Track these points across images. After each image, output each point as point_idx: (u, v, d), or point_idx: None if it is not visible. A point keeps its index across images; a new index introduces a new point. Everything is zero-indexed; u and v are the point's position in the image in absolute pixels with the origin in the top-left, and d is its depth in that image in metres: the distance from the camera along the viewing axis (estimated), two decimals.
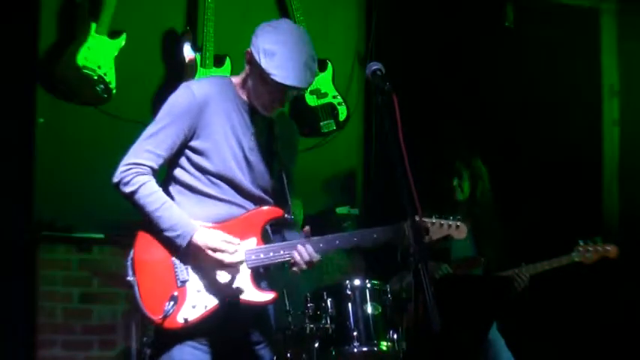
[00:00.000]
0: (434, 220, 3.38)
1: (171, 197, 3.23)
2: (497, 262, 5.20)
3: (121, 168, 3.18)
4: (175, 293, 3.11)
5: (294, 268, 3.23)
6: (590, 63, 6.61)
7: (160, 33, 5.59)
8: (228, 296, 3.17)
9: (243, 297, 3.19)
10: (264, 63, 3.11)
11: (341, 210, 5.92)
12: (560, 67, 6.41)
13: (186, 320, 3.10)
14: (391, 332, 4.45)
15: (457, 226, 3.40)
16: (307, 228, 3.29)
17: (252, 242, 3.25)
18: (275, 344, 3.52)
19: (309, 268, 3.23)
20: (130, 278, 3.14)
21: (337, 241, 3.29)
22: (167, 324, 3.09)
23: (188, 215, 3.17)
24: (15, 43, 5.16)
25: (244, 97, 3.29)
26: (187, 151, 3.23)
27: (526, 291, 5.07)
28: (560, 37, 6.42)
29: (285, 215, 3.35)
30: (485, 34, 6.27)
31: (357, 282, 4.52)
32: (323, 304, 4.43)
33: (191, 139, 3.22)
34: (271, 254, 3.23)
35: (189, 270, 3.17)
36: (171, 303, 3.08)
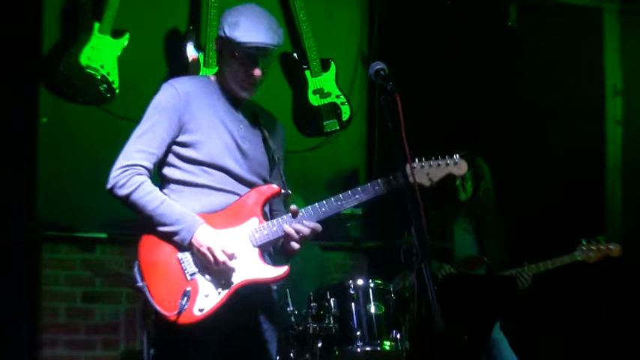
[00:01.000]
0: (432, 162, 3.37)
1: None
2: (500, 261, 5.21)
3: (115, 172, 3.18)
4: (188, 288, 3.11)
5: (293, 243, 3.25)
6: (592, 62, 6.60)
7: (163, 33, 5.59)
8: (239, 279, 3.18)
9: (255, 276, 3.20)
10: (229, 33, 3.21)
11: (344, 210, 5.90)
12: (562, 67, 6.41)
13: (202, 311, 3.10)
14: (394, 332, 4.46)
15: (455, 163, 3.38)
16: (294, 207, 3.26)
17: (254, 222, 3.26)
18: (278, 325, 3.54)
19: (310, 239, 3.27)
20: (139, 284, 3.14)
21: (323, 209, 3.30)
22: (183, 319, 3.08)
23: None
24: (18, 43, 5.16)
25: (223, 90, 3.34)
26: (175, 147, 3.25)
27: (529, 290, 5.07)
28: (563, 37, 6.41)
29: (282, 191, 3.37)
30: (488, 34, 6.27)
31: (360, 282, 4.53)
32: (326, 304, 4.44)
33: (179, 133, 3.24)
34: (274, 229, 3.26)
35: (197, 261, 3.17)
36: (185, 298, 3.08)
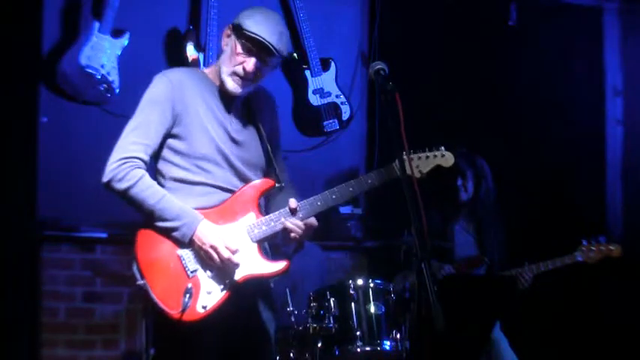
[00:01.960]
0: (420, 155, 3.46)
1: None
2: (500, 261, 5.21)
3: (111, 165, 3.15)
4: (189, 285, 3.11)
5: (293, 235, 3.27)
6: (593, 62, 6.60)
7: (163, 32, 5.59)
8: (240, 275, 3.18)
9: (255, 271, 3.21)
10: (241, 20, 3.25)
11: (344, 209, 5.91)
12: (563, 67, 6.41)
13: (205, 308, 3.11)
14: (394, 332, 4.46)
15: (443, 155, 3.50)
16: (293, 202, 3.28)
17: (251, 217, 3.27)
18: (278, 319, 3.55)
19: (307, 234, 3.29)
20: (140, 282, 3.13)
21: (318, 203, 3.32)
22: (187, 317, 3.08)
23: None
24: (18, 42, 5.15)
25: (216, 83, 3.34)
26: (170, 141, 3.25)
27: (529, 290, 5.07)
28: (564, 37, 6.41)
29: (276, 185, 3.38)
30: (488, 34, 6.27)
31: (360, 281, 4.53)
32: (326, 304, 4.44)
33: (174, 124, 3.23)
34: (272, 224, 3.27)
35: (197, 258, 3.17)
36: (188, 296, 3.08)
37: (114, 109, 5.27)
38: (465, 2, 6.18)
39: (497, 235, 5.30)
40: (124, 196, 3.16)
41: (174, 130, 3.24)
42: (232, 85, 3.28)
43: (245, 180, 3.31)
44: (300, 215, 3.28)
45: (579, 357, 5.93)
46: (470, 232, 5.35)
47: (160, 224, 3.15)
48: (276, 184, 3.37)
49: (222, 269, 3.16)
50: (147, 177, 3.18)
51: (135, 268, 3.16)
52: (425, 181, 3.46)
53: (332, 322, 4.39)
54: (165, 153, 3.26)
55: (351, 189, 3.36)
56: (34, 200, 5.22)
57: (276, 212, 3.29)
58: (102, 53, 5.20)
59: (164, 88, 3.25)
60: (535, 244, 5.48)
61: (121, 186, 3.14)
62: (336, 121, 5.84)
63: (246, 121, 3.38)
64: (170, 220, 3.14)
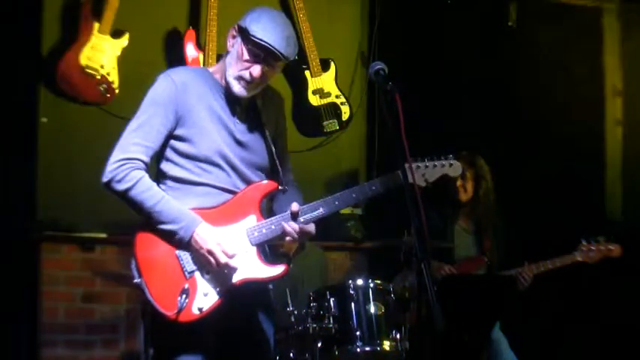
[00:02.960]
0: (427, 163, 3.43)
1: None
2: (500, 261, 5.21)
3: (112, 166, 3.14)
4: (186, 286, 3.10)
5: (292, 243, 3.29)
6: (592, 62, 6.60)
7: (163, 33, 5.59)
8: (237, 278, 3.17)
9: (253, 275, 3.19)
10: (248, 24, 3.20)
11: (344, 210, 5.91)
12: (562, 67, 6.41)
13: (201, 310, 3.10)
14: (394, 332, 4.46)
15: (451, 164, 3.47)
16: (295, 206, 3.26)
17: (252, 220, 3.25)
18: (275, 323, 3.53)
19: (307, 239, 3.29)
20: (137, 280, 3.12)
21: (320, 208, 3.31)
22: (183, 317, 3.07)
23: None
24: (18, 43, 5.16)
25: (222, 83, 3.32)
26: (173, 142, 3.23)
27: (529, 290, 5.07)
28: (563, 37, 6.41)
29: (279, 187, 3.36)
30: (487, 34, 6.27)
31: (360, 282, 4.53)
32: (326, 304, 4.44)
33: (176, 126, 3.21)
34: (273, 227, 3.25)
35: (195, 259, 3.16)
36: (184, 296, 3.07)
37: (114, 109, 5.27)
38: (465, 2, 6.19)
39: (496, 235, 5.30)
40: (124, 196, 3.15)
41: (177, 132, 3.22)
42: (238, 89, 3.26)
43: (248, 182, 3.30)
44: (301, 220, 3.25)
45: (579, 357, 5.94)
46: (470, 233, 5.35)
47: (159, 226, 3.14)
48: (280, 187, 3.35)
49: (220, 272, 3.15)
50: (146, 178, 3.17)
51: (133, 265, 3.15)
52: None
53: (332, 322, 4.39)
54: (168, 153, 3.25)
55: (354, 195, 3.35)
56: (34, 200, 5.23)
57: (277, 216, 3.27)
58: (102, 54, 5.20)
59: (167, 89, 3.22)
60: (535, 244, 5.48)
61: (121, 187, 3.13)
62: (335, 121, 5.84)
63: (252, 122, 3.36)
64: (168, 223, 3.13)
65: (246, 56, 3.22)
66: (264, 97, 3.43)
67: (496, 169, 5.38)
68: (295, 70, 5.82)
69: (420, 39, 6.09)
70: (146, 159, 3.19)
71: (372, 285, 4.53)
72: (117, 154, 3.16)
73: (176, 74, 3.29)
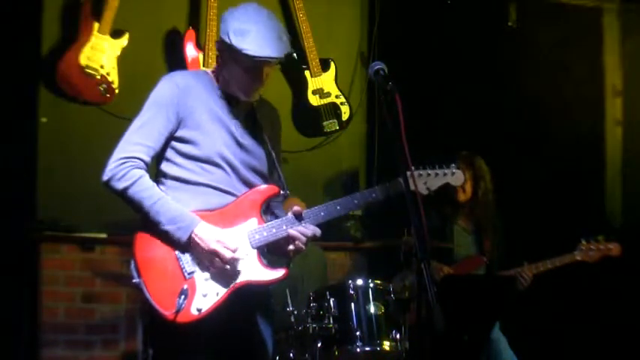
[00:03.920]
0: (429, 171, 3.43)
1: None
2: (500, 261, 5.21)
3: (112, 164, 3.14)
4: (185, 286, 3.09)
5: (293, 246, 3.25)
6: (592, 63, 6.61)
7: (163, 33, 5.59)
8: (237, 280, 3.17)
9: (253, 278, 3.19)
10: (236, 42, 3.14)
11: None
12: (562, 67, 6.41)
13: (199, 310, 3.09)
14: (394, 332, 4.46)
15: (453, 173, 3.47)
16: (298, 209, 3.27)
17: (253, 223, 3.25)
18: (274, 325, 3.52)
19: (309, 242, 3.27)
20: (135, 280, 3.11)
21: (322, 213, 3.30)
22: (181, 318, 3.06)
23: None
24: (18, 43, 5.16)
25: (222, 88, 3.31)
26: (174, 143, 3.23)
27: (529, 290, 5.07)
28: (563, 37, 6.41)
29: (281, 192, 3.36)
30: (487, 34, 6.27)
31: (359, 282, 4.53)
32: (326, 304, 4.44)
33: (177, 128, 3.22)
34: (274, 230, 3.24)
35: (195, 260, 3.16)
36: (182, 297, 3.06)
37: (114, 109, 5.27)
38: (465, 2, 6.19)
39: (496, 235, 5.30)
40: (123, 195, 3.15)
41: (179, 133, 3.22)
42: (247, 96, 3.28)
43: (248, 184, 3.30)
44: (304, 224, 3.26)
45: (579, 357, 5.94)
46: (469, 232, 5.35)
47: (157, 226, 3.14)
48: (281, 192, 3.35)
49: (219, 273, 3.15)
50: (146, 178, 3.17)
51: (132, 265, 3.14)
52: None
53: (332, 322, 4.39)
54: (169, 154, 3.25)
55: (355, 201, 3.34)
56: (34, 200, 5.23)
57: (278, 219, 3.27)
58: (102, 54, 5.20)
59: (170, 91, 3.23)
60: (535, 244, 5.49)
61: (120, 185, 3.13)
62: (335, 121, 5.84)
63: (252, 127, 3.36)
64: (166, 223, 3.12)
65: (246, 71, 3.21)
66: (262, 108, 3.45)
67: (496, 169, 5.38)
68: (295, 70, 5.82)
69: (420, 39, 6.09)
70: (147, 158, 3.19)
71: (371, 285, 4.53)
72: (117, 154, 3.17)
73: (179, 77, 3.31)
